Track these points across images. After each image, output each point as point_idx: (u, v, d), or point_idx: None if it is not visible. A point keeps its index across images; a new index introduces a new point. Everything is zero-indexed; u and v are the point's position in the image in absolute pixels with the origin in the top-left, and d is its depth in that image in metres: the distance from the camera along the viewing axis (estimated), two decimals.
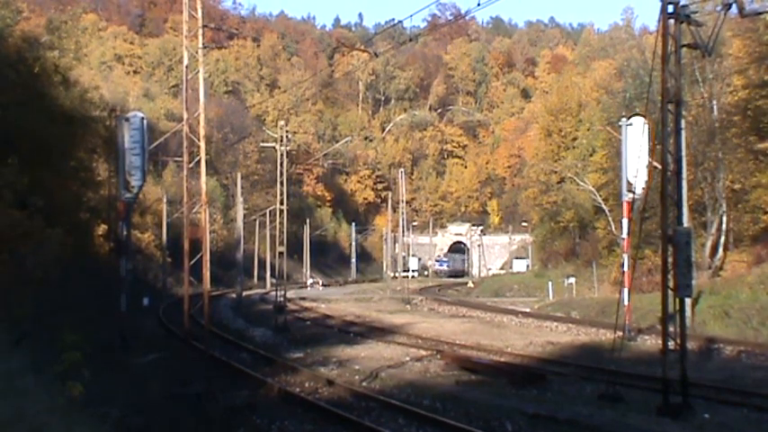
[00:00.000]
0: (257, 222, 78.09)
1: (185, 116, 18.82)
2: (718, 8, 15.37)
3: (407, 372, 20.01)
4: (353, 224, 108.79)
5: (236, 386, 17.53)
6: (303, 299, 53.37)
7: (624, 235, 28.14)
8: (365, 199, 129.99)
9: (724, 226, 39.86)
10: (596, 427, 12.99)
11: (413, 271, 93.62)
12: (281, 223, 35.39)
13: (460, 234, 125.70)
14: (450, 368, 20.53)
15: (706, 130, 40.17)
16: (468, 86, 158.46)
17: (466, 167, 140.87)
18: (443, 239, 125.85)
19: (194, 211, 23.20)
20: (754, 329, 25.61)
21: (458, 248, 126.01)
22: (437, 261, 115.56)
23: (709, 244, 39.70)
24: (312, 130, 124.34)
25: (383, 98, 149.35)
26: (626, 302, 25.83)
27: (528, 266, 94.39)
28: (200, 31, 17.61)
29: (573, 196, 62.79)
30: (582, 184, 55.66)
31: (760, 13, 18.71)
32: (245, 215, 63.63)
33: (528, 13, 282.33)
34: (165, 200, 54.54)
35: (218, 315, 37.99)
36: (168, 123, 77.24)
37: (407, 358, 22.46)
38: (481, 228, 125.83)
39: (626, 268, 28.21)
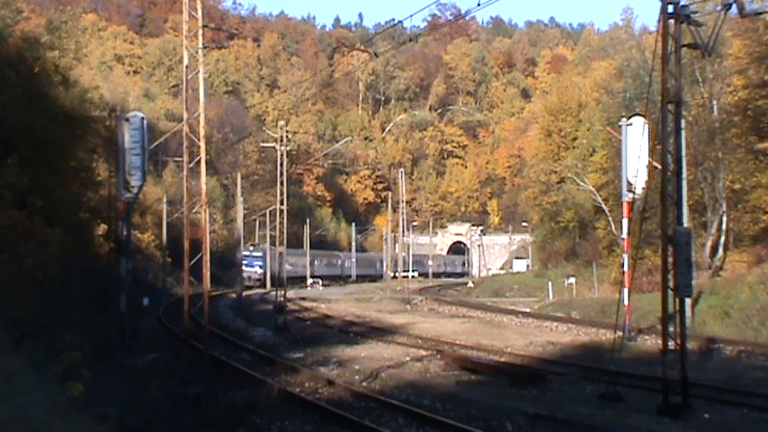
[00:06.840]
0: (257, 222, 78.01)
1: (185, 116, 18.84)
2: (719, 8, 15.36)
3: (407, 372, 19.99)
4: (353, 224, 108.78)
5: (236, 386, 17.51)
6: (303, 299, 53.36)
7: (624, 235, 28.12)
8: (365, 199, 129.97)
9: (724, 226, 39.87)
10: (596, 427, 12.98)
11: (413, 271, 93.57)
12: (281, 223, 35.40)
13: (460, 234, 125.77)
14: (451, 368, 20.51)
15: (706, 130, 40.18)
16: (468, 86, 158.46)
17: (466, 167, 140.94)
18: (443, 239, 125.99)
19: (194, 211, 23.21)
20: (754, 329, 25.62)
21: (458, 248, 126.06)
22: (244, 258, 67.67)
23: (709, 244, 39.72)
24: (312, 130, 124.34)
25: (383, 98, 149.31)
26: (626, 302, 25.82)
27: (528, 266, 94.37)
28: (200, 31, 17.63)
29: (573, 196, 62.80)
30: (582, 184, 55.66)
31: (760, 13, 18.74)
32: (245, 215, 63.60)
33: (528, 13, 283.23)
34: (165, 200, 54.60)
35: (218, 315, 37.95)
36: (168, 123, 77.22)
37: (407, 358, 22.44)
38: (481, 228, 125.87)
39: (626, 268, 28.20)
